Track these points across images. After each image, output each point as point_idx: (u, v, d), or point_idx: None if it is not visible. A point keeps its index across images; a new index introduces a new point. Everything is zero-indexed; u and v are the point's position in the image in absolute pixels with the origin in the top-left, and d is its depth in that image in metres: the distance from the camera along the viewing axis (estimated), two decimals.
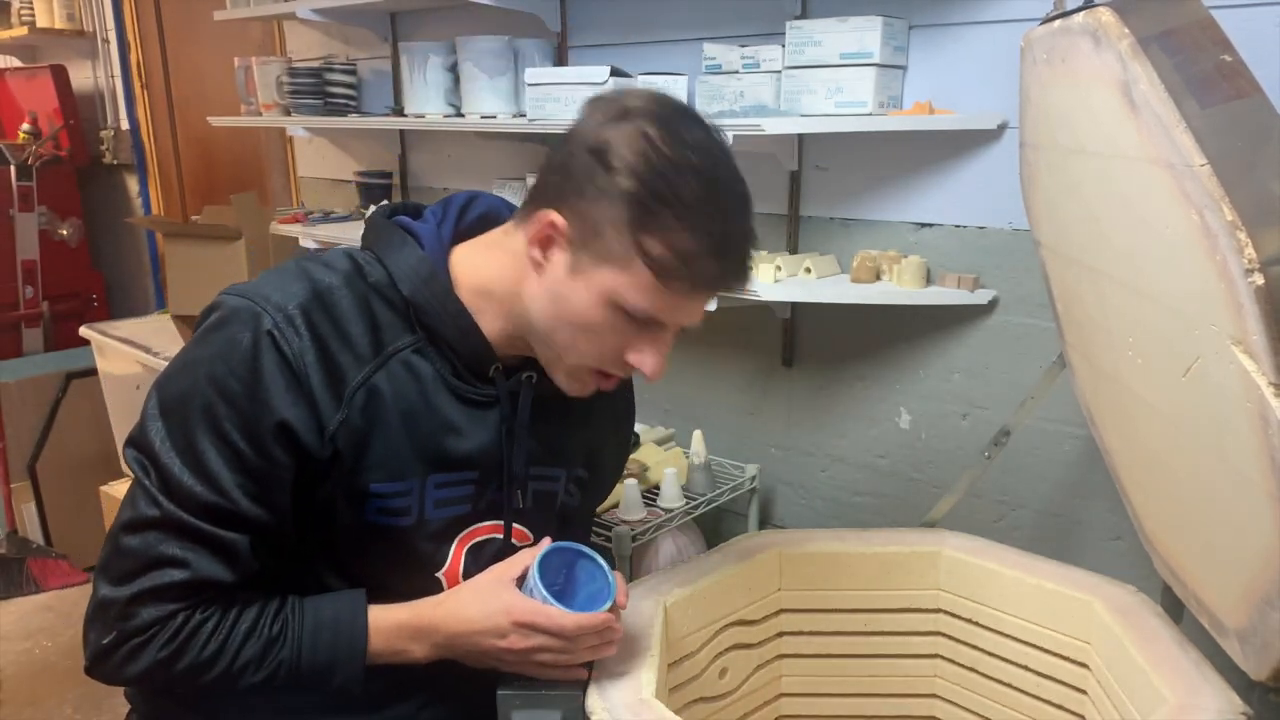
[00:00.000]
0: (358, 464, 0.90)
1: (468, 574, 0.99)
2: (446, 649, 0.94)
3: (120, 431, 2.43)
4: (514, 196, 2.13)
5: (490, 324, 0.95)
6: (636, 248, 0.84)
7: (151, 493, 0.86)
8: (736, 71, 1.71)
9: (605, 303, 0.87)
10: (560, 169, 0.88)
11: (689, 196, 0.83)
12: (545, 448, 1.02)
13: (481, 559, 1.00)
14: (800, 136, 1.75)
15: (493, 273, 0.94)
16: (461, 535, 0.99)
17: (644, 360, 0.91)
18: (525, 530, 1.04)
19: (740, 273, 0.89)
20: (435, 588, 0.98)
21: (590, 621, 0.92)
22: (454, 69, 2.10)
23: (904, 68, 1.62)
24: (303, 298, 0.88)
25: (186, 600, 0.87)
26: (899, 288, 1.61)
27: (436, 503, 0.96)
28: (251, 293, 0.88)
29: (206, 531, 0.86)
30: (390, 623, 0.94)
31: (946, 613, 1.31)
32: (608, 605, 0.94)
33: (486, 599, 0.93)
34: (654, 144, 0.83)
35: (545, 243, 0.89)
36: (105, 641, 0.87)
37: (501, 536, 1.02)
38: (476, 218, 1.00)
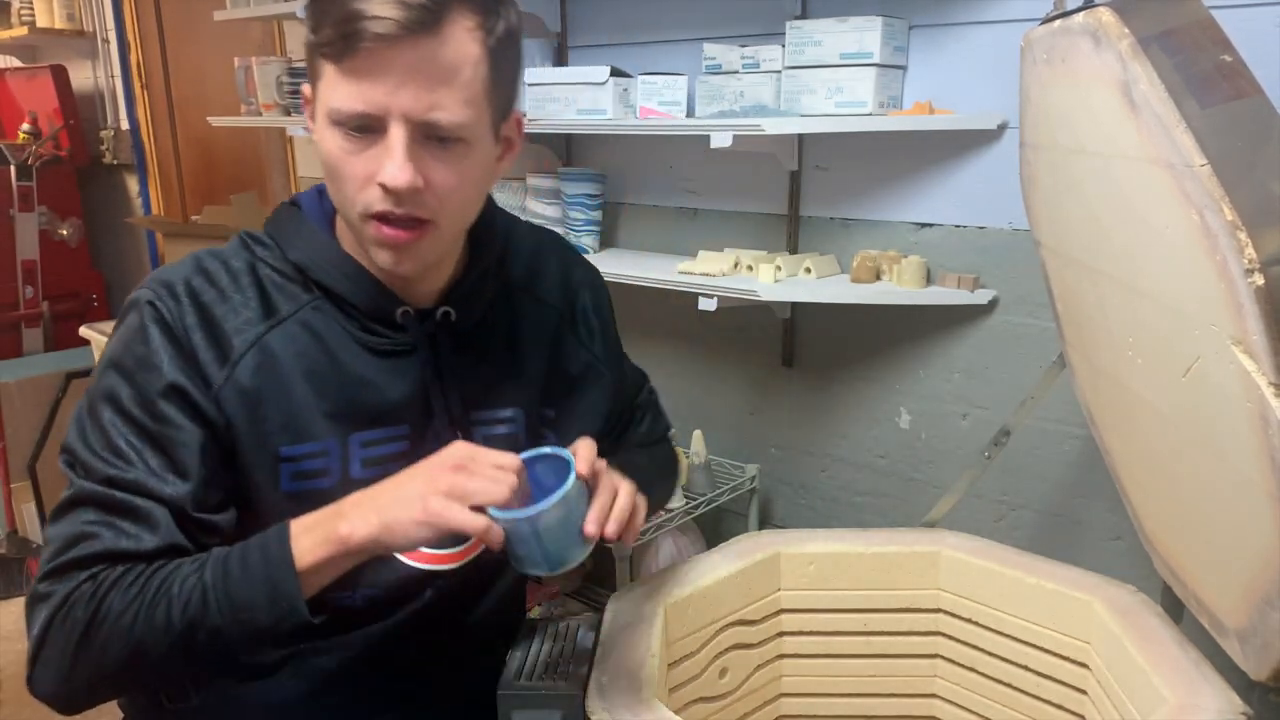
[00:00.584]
0: (259, 428, 0.88)
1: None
2: (374, 509, 0.80)
3: None
4: (514, 197, 2.13)
5: (370, 263, 0.91)
6: (312, 48, 0.82)
7: (72, 478, 0.85)
8: (736, 71, 1.71)
9: (326, 124, 0.82)
10: None
11: None
12: (485, 388, 0.97)
13: None
14: (800, 136, 1.75)
15: None
16: None
17: (383, 170, 0.81)
18: None
19: (388, 5, 0.77)
20: (388, 558, 0.92)
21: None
22: None
23: (904, 68, 1.62)
24: (186, 271, 0.90)
25: (97, 569, 0.82)
26: (899, 288, 1.61)
27: (365, 461, 0.91)
28: (144, 282, 0.91)
29: (119, 499, 0.83)
30: (305, 519, 0.83)
31: (946, 613, 1.31)
32: (568, 484, 0.82)
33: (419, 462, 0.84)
34: None
35: (311, 117, 0.88)
36: (35, 634, 0.81)
37: None
38: None
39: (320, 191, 0.96)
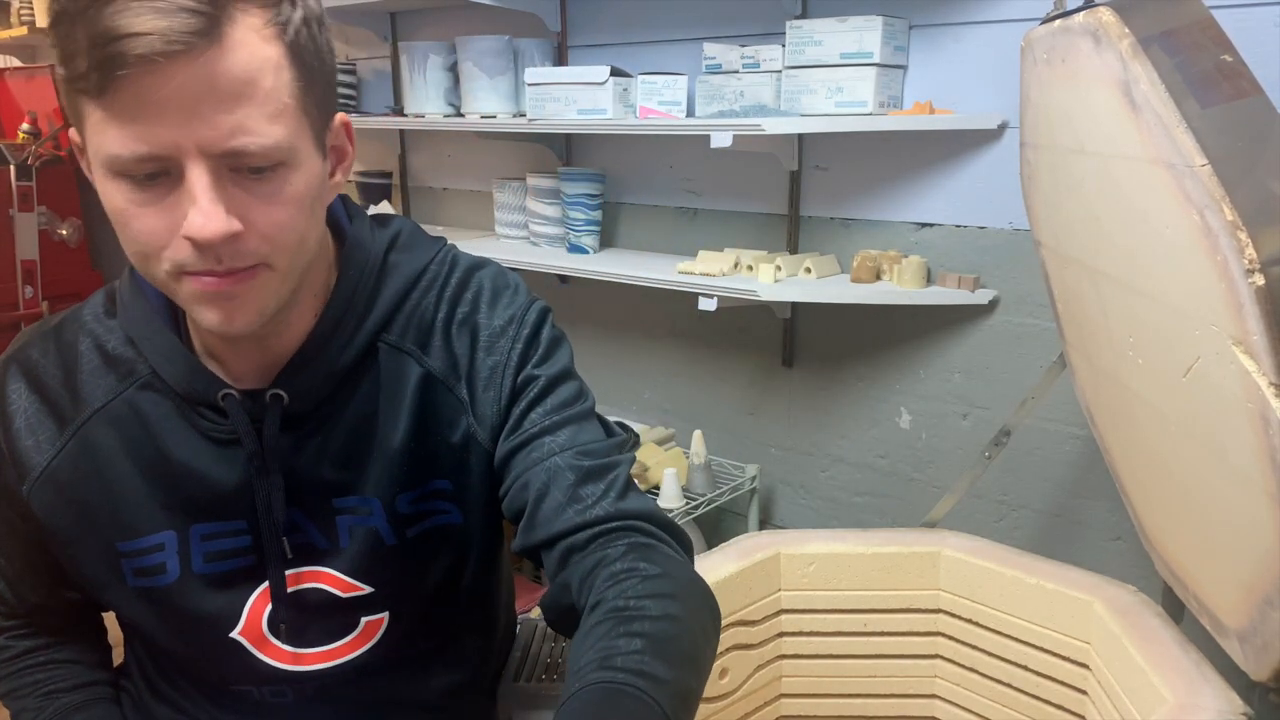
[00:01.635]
0: (88, 523, 0.81)
1: (277, 626, 0.83)
2: None
3: None
4: (514, 196, 2.13)
5: (202, 334, 0.78)
6: (64, 85, 0.64)
7: None
8: (736, 71, 1.71)
9: (105, 175, 0.66)
10: None
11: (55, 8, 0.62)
12: (341, 471, 0.81)
13: (306, 609, 0.83)
14: (800, 136, 1.75)
15: None
16: (258, 592, 0.82)
17: (188, 222, 0.64)
18: (348, 579, 0.83)
19: (144, 18, 0.60)
20: (234, 648, 0.83)
21: None
22: (454, 69, 2.10)
23: (904, 68, 1.62)
24: (20, 350, 0.82)
25: None
26: (899, 288, 1.61)
27: (206, 556, 0.81)
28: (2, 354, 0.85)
29: None
30: None
31: (946, 613, 1.31)
32: None
33: None
34: None
35: (89, 168, 0.70)
36: None
37: (335, 590, 0.82)
38: None
39: None
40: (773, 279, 1.65)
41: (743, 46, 1.70)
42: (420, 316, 0.83)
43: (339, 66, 2.43)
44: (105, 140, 0.64)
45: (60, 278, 3.49)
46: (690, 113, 1.77)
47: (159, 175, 0.65)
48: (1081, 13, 0.91)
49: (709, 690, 1.26)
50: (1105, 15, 0.86)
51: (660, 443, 1.98)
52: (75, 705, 0.89)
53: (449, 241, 0.89)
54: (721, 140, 1.52)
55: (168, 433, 0.79)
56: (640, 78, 1.74)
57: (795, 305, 1.83)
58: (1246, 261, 0.74)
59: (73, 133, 0.69)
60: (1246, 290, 0.74)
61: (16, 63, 3.91)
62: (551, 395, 0.84)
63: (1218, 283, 0.77)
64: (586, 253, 1.99)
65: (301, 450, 0.80)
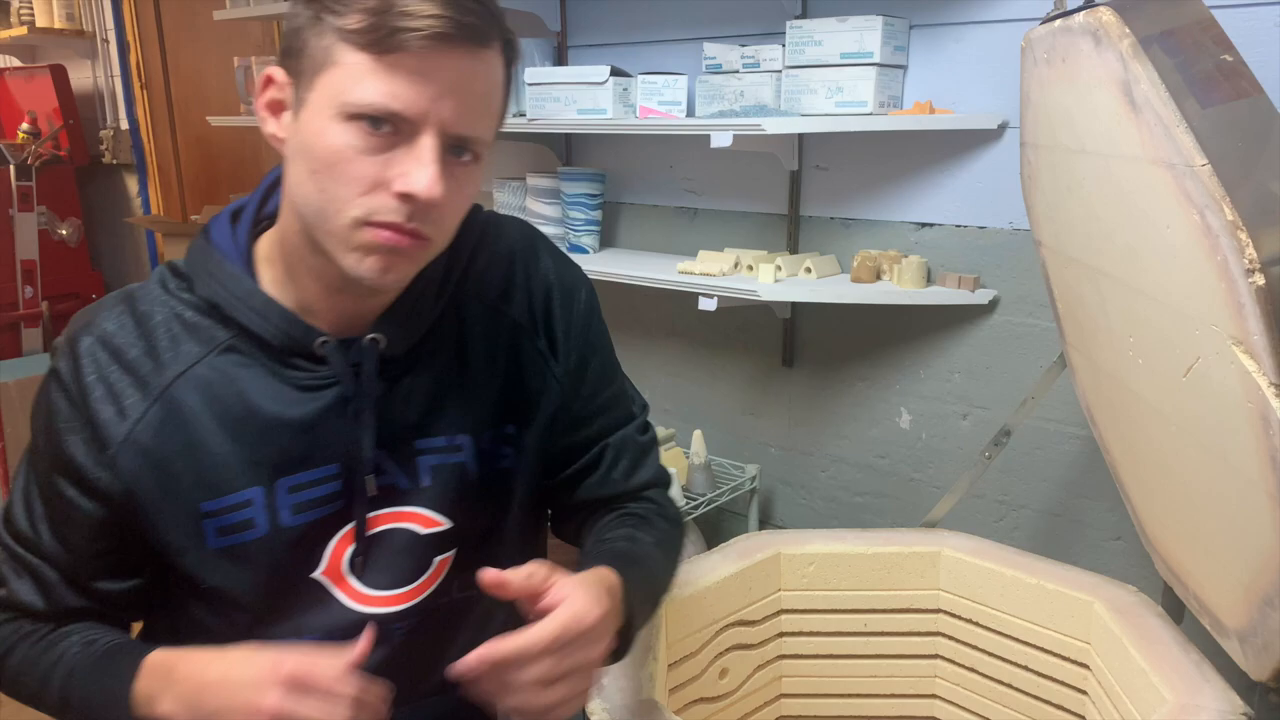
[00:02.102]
0: (172, 486, 0.83)
1: (357, 564, 0.88)
2: (193, 706, 0.78)
3: None
4: (514, 196, 2.13)
5: (304, 289, 0.83)
6: (333, 33, 0.72)
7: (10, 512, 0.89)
8: (736, 71, 1.71)
9: (335, 117, 0.73)
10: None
11: None
12: (428, 414, 0.88)
13: (387, 549, 0.89)
14: (800, 136, 1.75)
15: (282, 224, 0.84)
16: (342, 533, 0.87)
17: (409, 177, 0.73)
18: (431, 514, 0.89)
19: (448, 6, 0.71)
20: (315, 589, 0.88)
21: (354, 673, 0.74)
22: None
23: (904, 67, 1.62)
24: (93, 325, 0.85)
25: (11, 617, 0.89)
26: (899, 288, 1.61)
27: (295, 508, 0.85)
28: (64, 331, 0.88)
29: (20, 554, 0.87)
30: (155, 660, 0.82)
31: (946, 613, 1.31)
32: None
33: (257, 654, 0.77)
34: None
35: (274, 108, 0.79)
36: None
37: (417, 527, 0.89)
38: None
39: (233, 218, 0.88)
40: (773, 279, 1.65)
41: (743, 46, 1.70)
42: (503, 271, 0.94)
43: None
44: (359, 87, 0.72)
45: (60, 278, 3.49)
46: (690, 113, 1.77)
47: (384, 126, 0.73)
48: (1081, 13, 0.91)
49: (709, 690, 1.26)
50: (1105, 15, 0.86)
51: (660, 442, 1.98)
52: (120, 643, 0.87)
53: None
54: (721, 140, 1.52)
55: (255, 389, 0.83)
56: (640, 78, 1.74)
57: (795, 305, 1.83)
58: (1246, 261, 0.74)
59: (279, 71, 0.77)
60: (1246, 290, 0.74)
61: (16, 63, 3.91)
62: (612, 359, 1.02)
63: (1218, 283, 0.77)
64: (586, 252, 1.99)
65: (390, 394, 0.86)
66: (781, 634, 1.34)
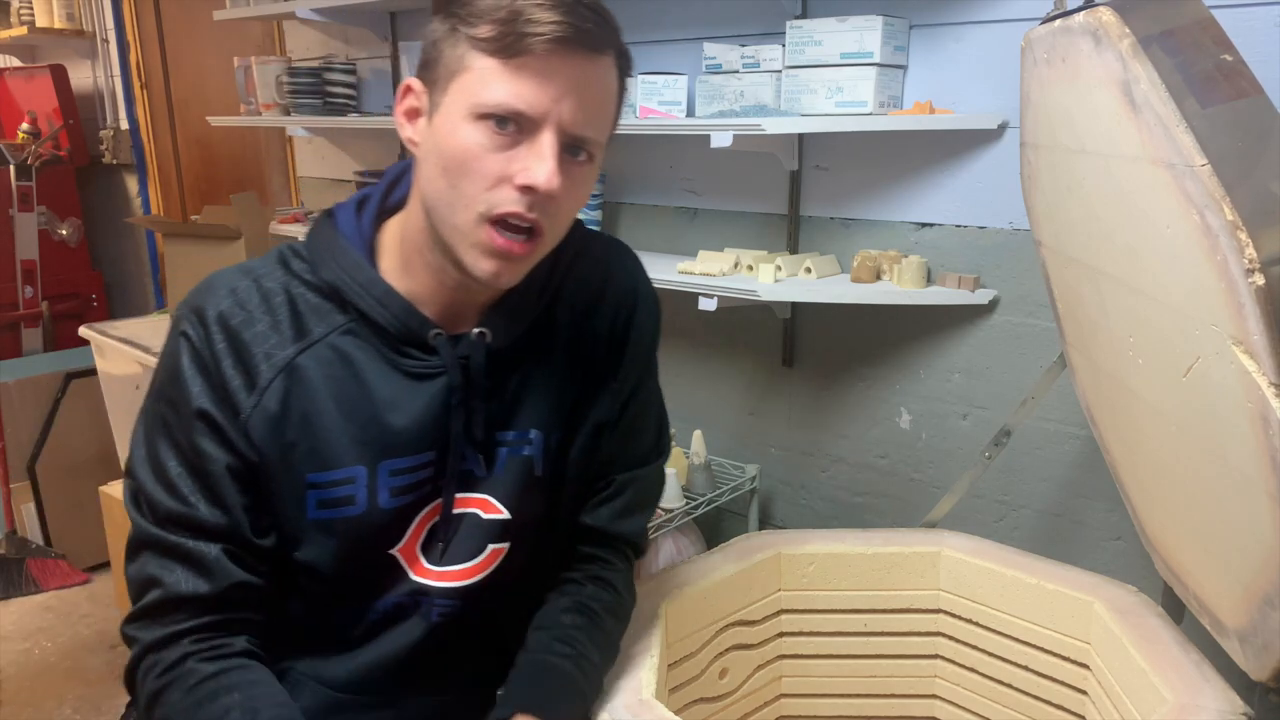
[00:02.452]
0: (288, 454, 0.88)
1: (433, 545, 0.94)
2: None
3: (120, 431, 2.43)
4: None
5: (419, 281, 0.90)
6: (466, 42, 0.80)
7: (133, 515, 0.90)
8: (736, 71, 1.71)
9: (466, 117, 0.81)
10: None
11: None
12: (511, 406, 0.95)
13: (455, 531, 0.95)
14: (800, 136, 1.75)
15: (406, 218, 0.91)
16: (424, 513, 0.94)
17: (530, 171, 0.80)
18: (496, 503, 0.95)
19: (569, 14, 0.79)
20: (390, 564, 0.94)
21: None
22: None
23: (904, 67, 1.62)
24: (218, 294, 0.89)
25: (171, 622, 0.87)
26: (899, 288, 1.61)
27: (393, 490, 0.91)
28: (184, 300, 0.91)
29: (174, 543, 0.87)
30: None
31: (946, 613, 1.31)
32: None
33: None
34: None
35: (411, 115, 0.87)
36: (127, 667, 0.90)
37: (480, 512, 0.95)
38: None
39: (359, 206, 0.93)
40: (773, 279, 1.65)
41: (743, 46, 1.70)
42: (597, 283, 1.00)
43: (339, 66, 2.43)
44: (488, 89, 0.79)
45: (60, 278, 3.50)
46: (690, 113, 1.77)
47: (509, 125, 0.80)
48: (1081, 13, 0.91)
49: (709, 690, 1.26)
50: (1105, 15, 0.86)
51: None
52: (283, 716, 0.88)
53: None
54: (721, 140, 1.52)
55: (370, 372, 0.89)
56: (640, 78, 1.74)
57: (795, 305, 1.83)
58: (1246, 261, 0.74)
59: (416, 81, 0.85)
60: (1246, 290, 0.74)
61: (16, 63, 3.91)
62: (658, 390, 1.10)
63: (1218, 283, 0.77)
64: None
65: (489, 385, 0.93)
66: (781, 634, 1.34)
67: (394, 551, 0.94)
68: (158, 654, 0.87)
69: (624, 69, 0.87)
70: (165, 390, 0.89)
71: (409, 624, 0.95)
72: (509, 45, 0.78)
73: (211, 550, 0.87)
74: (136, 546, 0.89)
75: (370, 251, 0.91)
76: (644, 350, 1.04)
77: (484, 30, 0.79)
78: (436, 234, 0.85)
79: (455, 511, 0.94)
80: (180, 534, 0.87)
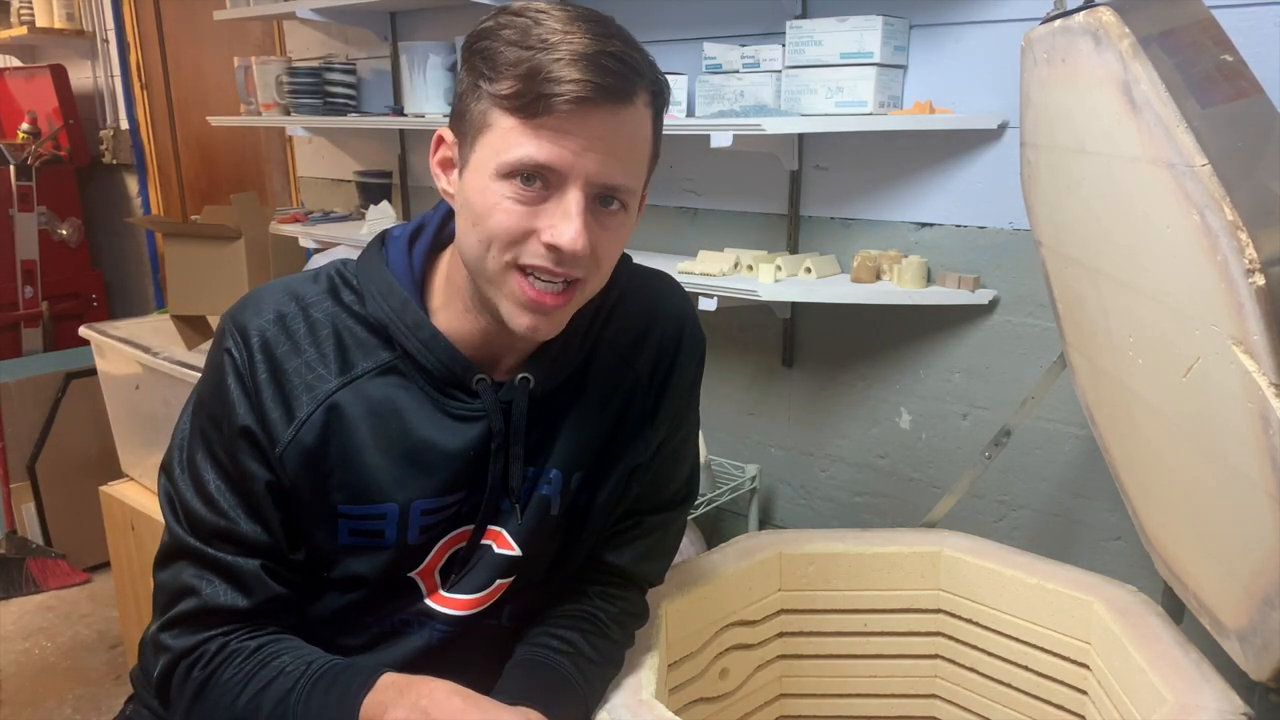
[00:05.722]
0: (321, 484, 0.89)
1: (445, 575, 0.96)
2: (426, 715, 0.84)
3: (120, 431, 2.43)
4: None
5: (463, 322, 0.90)
6: (489, 99, 0.80)
7: (170, 523, 0.91)
8: (736, 71, 1.71)
9: (493, 175, 0.80)
10: None
11: (508, 29, 0.79)
12: (540, 445, 0.95)
13: (471, 561, 0.96)
14: (800, 136, 1.75)
15: (452, 259, 0.91)
16: (446, 539, 0.95)
17: (556, 230, 0.80)
18: (512, 539, 0.95)
19: (590, 70, 0.77)
20: (408, 586, 0.95)
21: None
22: (454, 68, 2.10)
23: (904, 67, 1.62)
24: (266, 317, 0.89)
25: (206, 629, 0.89)
26: (899, 288, 1.61)
27: (422, 529, 0.92)
28: (230, 312, 0.91)
29: (214, 557, 0.88)
30: (391, 678, 0.87)
31: (946, 613, 1.31)
32: None
33: (503, 707, 0.86)
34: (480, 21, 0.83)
35: (445, 165, 0.87)
36: (156, 674, 0.90)
37: (493, 544, 0.96)
38: None
39: (412, 237, 0.93)
40: (773, 279, 1.65)
41: (743, 46, 1.70)
42: (642, 325, 0.99)
43: (339, 66, 2.43)
44: (512, 148, 0.79)
45: (60, 278, 3.50)
46: (690, 113, 1.77)
47: (535, 182, 0.80)
48: (1081, 13, 0.91)
49: (709, 690, 1.26)
50: (1105, 15, 0.86)
51: None
52: (340, 661, 0.90)
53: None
54: (721, 140, 1.52)
55: (411, 412, 0.89)
56: None
57: (795, 305, 1.83)
58: (1246, 261, 0.73)
59: (448, 133, 0.86)
60: (1246, 290, 0.74)
61: (16, 63, 3.91)
62: (696, 433, 1.09)
63: (1218, 283, 0.77)
64: None
65: (526, 428, 0.92)
66: (781, 634, 1.34)
67: (412, 575, 0.95)
68: (196, 653, 0.88)
69: (659, 106, 0.85)
70: (209, 403, 0.90)
71: (408, 640, 0.96)
72: (529, 105, 0.77)
73: (250, 565, 0.88)
74: (172, 555, 0.90)
75: (419, 288, 0.91)
76: (683, 393, 1.04)
77: (505, 88, 0.78)
78: (475, 284, 0.86)
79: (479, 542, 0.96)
80: (220, 548, 0.88)
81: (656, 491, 1.05)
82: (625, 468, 0.99)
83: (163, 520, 0.92)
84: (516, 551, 0.95)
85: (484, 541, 0.95)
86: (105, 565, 2.68)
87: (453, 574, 0.96)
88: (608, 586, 1.04)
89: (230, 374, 0.88)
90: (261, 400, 0.87)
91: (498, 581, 0.96)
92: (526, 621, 1.02)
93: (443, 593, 0.96)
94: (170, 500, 0.91)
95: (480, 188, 0.81)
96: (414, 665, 0.96)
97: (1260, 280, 0.73)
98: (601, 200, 0.82)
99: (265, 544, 0.89)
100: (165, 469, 0.92)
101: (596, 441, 0.97)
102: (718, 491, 1.83)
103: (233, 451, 0.88)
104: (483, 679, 0.98)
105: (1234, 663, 0.96)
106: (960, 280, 1.59)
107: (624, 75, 0.79)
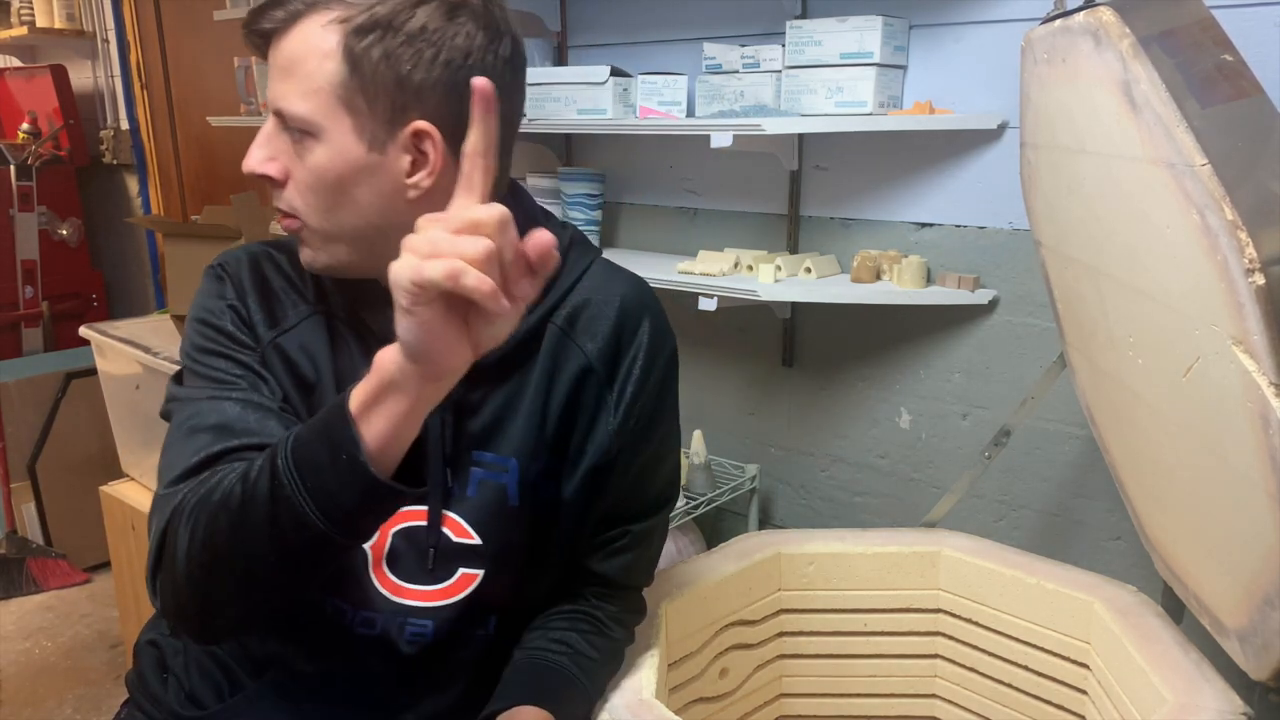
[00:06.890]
0: (287, 398, 0.91)
1: (393, 559, 0.92)
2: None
3: (120, 431, 2.42)
4: None
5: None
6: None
7: (174, 413, 0.91)
8: (736, 71, 1.71)
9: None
10: None
11: None
12: (490, 426, 0.92)
13: (419, 545, 0.92)
14: (800, 136, 1.75)
15: None
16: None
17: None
18: (466, 525, 0.92)
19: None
20: (358, 555, 0.91)
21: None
22: None
23: (904, 68, 1.62)
24: (250, 250, 0.97)
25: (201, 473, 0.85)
26: (899, 288, 1.61)
27: None
28: (219, 257, 0.98)
29: (208, 425, 0.88)
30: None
31: (946, 613, 1.31)
32: None
33: None
34: None
35: None
36: (156, 535, 0.82)
37: (449, 532, 0.92)
38: None
39: None
40: (773, 279, 1.65)
41: (743, 46, 1.70)
42: (603, 316, 0.96)
43: None
44: None
45: (60, 278, 3.49)
46: (690, 113, 1.77)
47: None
48: (1081, 13, 0.91)
49: (709, 690, 1.26)
50: (1105, 15, 0.86)
51: None
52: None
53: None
54: (721, 140, 1.52)
55: (363, 357, 0.89)
56: (640, 78, 1.74)
57: (795, 305, 1.83)
58: (1246, 261, 0.74)
59: None
60: (1246, 290, 0.74)
61: (16, 63, 3.91)
62: (675, 435, 1.04)
63: (1218, 283, 0.77)
64: None
65: (461, 402, 0.91)
66: (781, 634, 1.34)
67: (367, 546, 0.91)
68: (196, 491, 0.80)
69: (347, 18, 0.79)
70: (198, 315, 0.93)
71: (377, 639, 0.92)
72: (256, 46, 0.84)
73: (235, 410, 0.88)
74: (181, 429, 0.88)
75: None
76: (651, 392, 0.98)
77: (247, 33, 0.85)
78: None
79: (420, 525, 0.92)
80: (239, 428, 0.86)
81: (639, 497, 1.02)
82: (588, 467, 0.95)
83: None
84: (475, 540, 0.92)
85: (444, 530, 0.92)
86: (105, 565, 2.68)
87: (399, 557, 0.92)
88: (602, 588, 1.04)
89: (218, 281, 0.94)
90: (246, 303, 0.92)
91: (461, 571, 0.93)
92: (518, 635, 1.00)
93: (395, 579, 0.92)
94: (171, 407, 0.92)
95: None
96: (391, 675, 0.93)
97: (1260, 280, 0.73)
98: (289, 131, 0.84)
99: (275, 410, 0.89)
100: (168, 394, 0.94)
101: (550, 426, 0.93)
102: (718, 491, 1.83)
103: (228, 333, 0.91)
104: (471, 693, 0.96)
105: (1234, 663, 0.96)
106: (960, 280, 1.59)
107: (290, 3, 0.81)
